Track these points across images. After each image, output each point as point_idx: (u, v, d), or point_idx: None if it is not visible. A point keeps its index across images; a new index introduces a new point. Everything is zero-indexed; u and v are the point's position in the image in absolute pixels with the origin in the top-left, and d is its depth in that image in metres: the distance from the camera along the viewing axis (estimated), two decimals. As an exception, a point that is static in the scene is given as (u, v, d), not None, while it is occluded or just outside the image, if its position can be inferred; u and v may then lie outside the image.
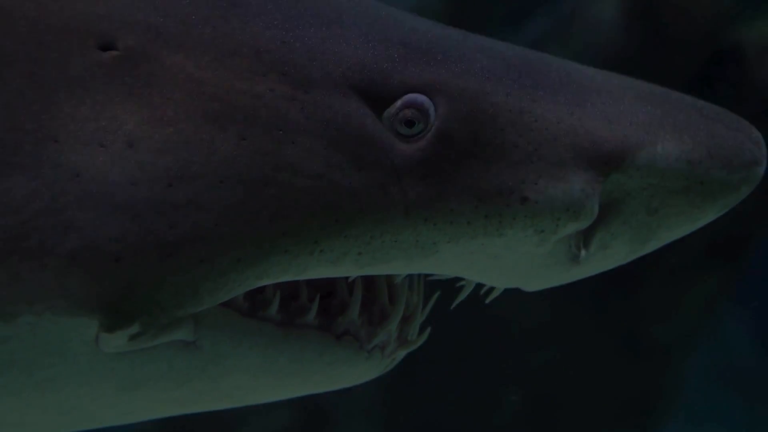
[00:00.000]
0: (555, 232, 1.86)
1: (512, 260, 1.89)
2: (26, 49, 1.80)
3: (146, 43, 1.83)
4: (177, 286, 1.77)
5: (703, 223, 1.95)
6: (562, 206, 1.85)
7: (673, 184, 1.89)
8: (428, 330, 2.01)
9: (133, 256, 1.75)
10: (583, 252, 1.90)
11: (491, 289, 2.01)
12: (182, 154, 1.78)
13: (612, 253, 1.94)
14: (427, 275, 2.00)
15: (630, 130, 1.88)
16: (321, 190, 1.79)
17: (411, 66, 1.87)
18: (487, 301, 2.01)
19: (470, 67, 1.88)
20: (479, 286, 2.01)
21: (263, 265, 1.78)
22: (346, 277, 1.94)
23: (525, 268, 1.91)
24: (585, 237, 1.90)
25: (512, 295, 2.02)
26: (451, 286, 2.01)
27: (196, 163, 1.78)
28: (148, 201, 1.76)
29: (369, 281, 1.96)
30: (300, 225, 1.78)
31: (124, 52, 1.82)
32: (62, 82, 1.80)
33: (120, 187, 1.76)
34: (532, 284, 1.96)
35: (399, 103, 1.84)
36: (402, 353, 2.00)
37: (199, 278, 1.77)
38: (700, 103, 1.96)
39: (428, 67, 1.87)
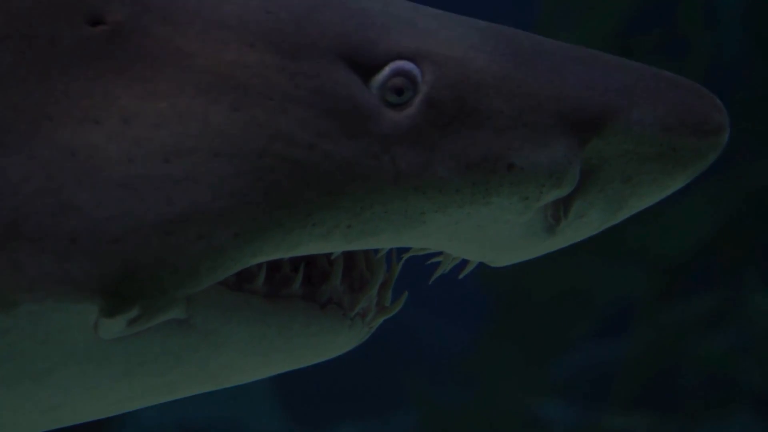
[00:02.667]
0: (538, 199, 1.85)
1: (494, 231, 1.88)
2: (15, 24, 1.74)
3: (134, 17, 1.78)
4: (176, 265, 1.72)
5: (670, 192, 1.97)
6: (546, 173, 1.83)
7: (647, 151, 1.90)
8: (405, 295, 1.99)
9: (133, 235, 1.70)
10: (562, 221, 1.90)
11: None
12: (177, 128, 1.74)
13: (587, 223, 1.94)
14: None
15: (607, 96, 1.89)
16: (314, 161, 1.76)
17: (395, 33, 1.85)
18: (461, 276, 2.00)
19: (450, 34, 1.88)
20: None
21: (259, 240, 1.75)
22: None
23: (504, 240, 1.90)
24: (564, 206, 1.90)
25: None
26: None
27: (192, 136, 1.74)
28: (145, 177, 1.71)
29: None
30: (294, 197, 1.75)
31: (112, 26, 1.77)
32: (53, 58, 1.74)
33: (117, 164, 1.71)
34: (506, 257, 1.95)
35: (387, 70, 1.82)
36: (380, 320, 1.97)
37: (198, 256, 1.72)
38: (664, 72, 1.98)
39: (412, 35, 1.86)
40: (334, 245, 1.82)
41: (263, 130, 1.76)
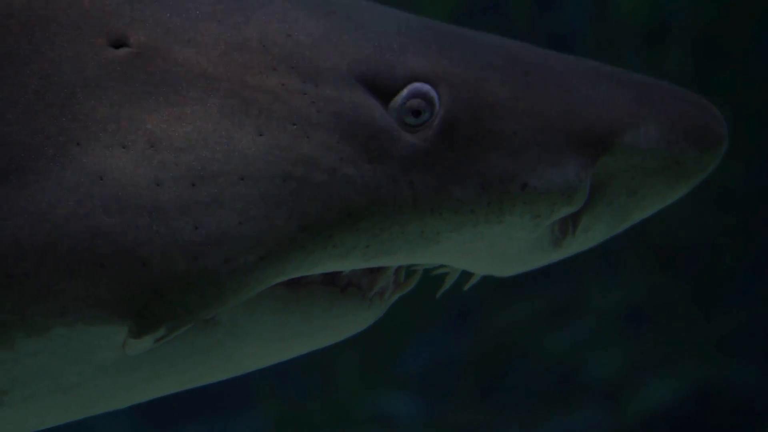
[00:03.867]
0: (550, 216, 1.88)
1: (505, 247, 1.90)
2: (41, 49, 1.74)
3: (157, 39, 1.78)
4: (203, 287, 1.73)
5: (670, 202, 2.01)
6: (558, 191, 1.87)
7: (652, 165, 1.94)
8: (420, 271, 1.99)
9: (160, 259, 1.71)
10: (569, 236, 1.93)
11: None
12: (203, 152, 1.74)
13: (592, 236, 1.98)
14: None
15: (615, 113, 1.91)
16: (335, 184, 1.77)
17: (411, 55, 1.86)
18: (466, 288, 2.02)
19: (464, 54, 1.89)
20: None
21: (282, 262, 1.76)
22: None
23: (513, 255, 1.92)
24: (572, 221, 1.93)
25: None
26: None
27: (217, 160, 1.74)
28: (172, 202, 1.72)
29: None
30: (316, 220, 1.76)
31: (136, 48, 1.78)
32: (79, 82, 1.74)
33: (144, 188, 1.72)
34: (511, 270, 1.98)
35: (405, 92, 1.83)
36: (396, 296, 1.98)
37: (225, 279, 1.74)
38: (664, 83, 2.01)
39: (427, 56, 1.87)
40: (352, 263, 1.84)
41: (287, 155, 1.77)
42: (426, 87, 1.85)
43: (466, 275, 2.05)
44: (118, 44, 1.78)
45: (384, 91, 1.85)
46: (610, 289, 7.49)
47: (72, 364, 1.75)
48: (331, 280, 1.91)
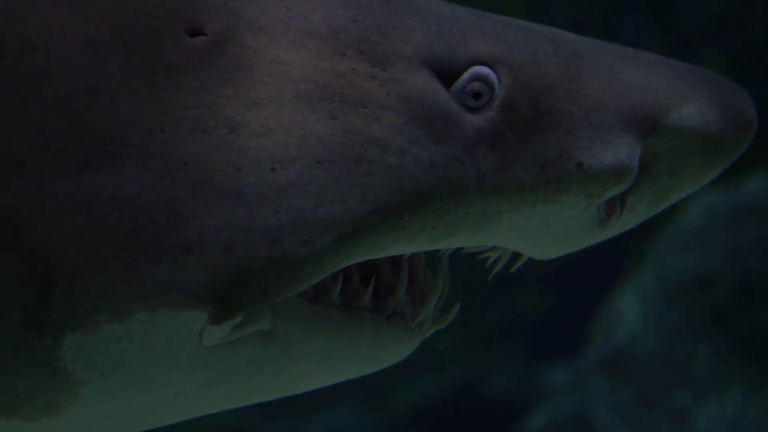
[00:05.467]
0: (602, 195, 1.91)
1: (557, 227, 1.93)
2: (122, 38, 1.76)
3: (231, 27, 1.81)
4: (281, 271, 1.75)
5: (705, 183, 2.06)
6: (611, 170, 1.91)
7: (693, 145, 1.99)
8: (457, 306, 2.02)
9: (242, 243, 1.73)
10: (616, 215, 1.97)
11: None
12: (280, 136, 1.77)
13: (635, 216, 2.02)
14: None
15: (660, 94, 1.96)
16: (405, 166, 1.80)
17: (471, 39, 1.89)
18: (512, 270, 2.05)
19: (517, 38, 1.93)
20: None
21: (354, 244, 1.78)
22: (389, 258, 1.94)
23: (563, 235, 1.96)
24: (620, 201, 1.97)
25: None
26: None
27: (294, 144, 1.77)
28: (252, 186, 1.74)
29: (394, 261, 1.96)
30: (388, 201, 1.79)
31: (212, 36, 1.80)
32: (160, 69, 1.77)
33: (226, 173, 1.74)
34: (556, 251, 2.01)
35: (466, 75, 1.86)
36: (433, 330, 2.00)
37: (302, 261, 1.76)
38: (696, 67, 2.06)
39: (486, 40, 1.90)
40: (418, 246, 1.86)
41: (359, 138, 1.79)
42: (486, 70, 1.89)
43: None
44: (194, 33, 1.81)
45: (446, 74, 1.88)
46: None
47: (149, 353, 1.76)
48: (378, 308, 1.93)
